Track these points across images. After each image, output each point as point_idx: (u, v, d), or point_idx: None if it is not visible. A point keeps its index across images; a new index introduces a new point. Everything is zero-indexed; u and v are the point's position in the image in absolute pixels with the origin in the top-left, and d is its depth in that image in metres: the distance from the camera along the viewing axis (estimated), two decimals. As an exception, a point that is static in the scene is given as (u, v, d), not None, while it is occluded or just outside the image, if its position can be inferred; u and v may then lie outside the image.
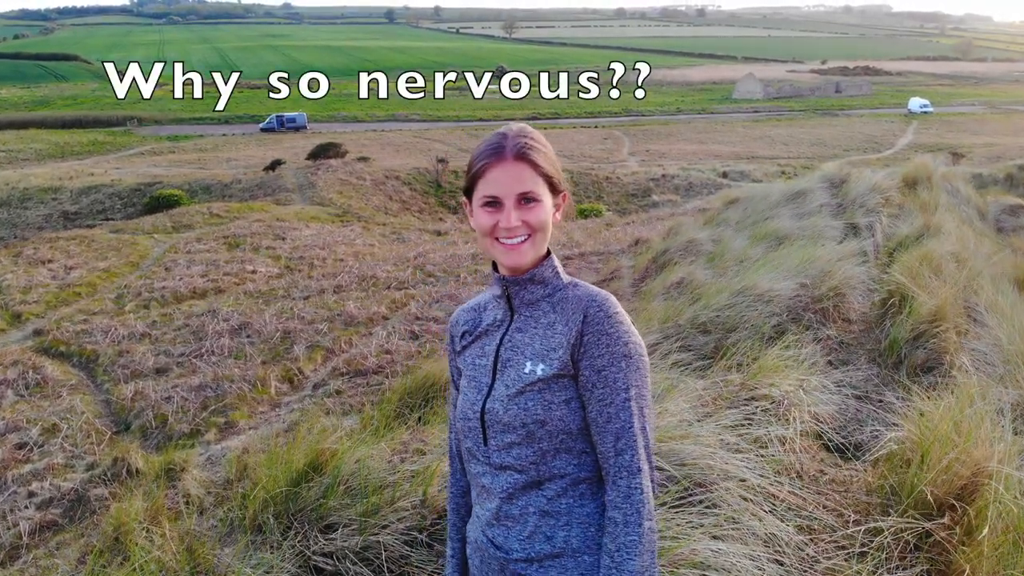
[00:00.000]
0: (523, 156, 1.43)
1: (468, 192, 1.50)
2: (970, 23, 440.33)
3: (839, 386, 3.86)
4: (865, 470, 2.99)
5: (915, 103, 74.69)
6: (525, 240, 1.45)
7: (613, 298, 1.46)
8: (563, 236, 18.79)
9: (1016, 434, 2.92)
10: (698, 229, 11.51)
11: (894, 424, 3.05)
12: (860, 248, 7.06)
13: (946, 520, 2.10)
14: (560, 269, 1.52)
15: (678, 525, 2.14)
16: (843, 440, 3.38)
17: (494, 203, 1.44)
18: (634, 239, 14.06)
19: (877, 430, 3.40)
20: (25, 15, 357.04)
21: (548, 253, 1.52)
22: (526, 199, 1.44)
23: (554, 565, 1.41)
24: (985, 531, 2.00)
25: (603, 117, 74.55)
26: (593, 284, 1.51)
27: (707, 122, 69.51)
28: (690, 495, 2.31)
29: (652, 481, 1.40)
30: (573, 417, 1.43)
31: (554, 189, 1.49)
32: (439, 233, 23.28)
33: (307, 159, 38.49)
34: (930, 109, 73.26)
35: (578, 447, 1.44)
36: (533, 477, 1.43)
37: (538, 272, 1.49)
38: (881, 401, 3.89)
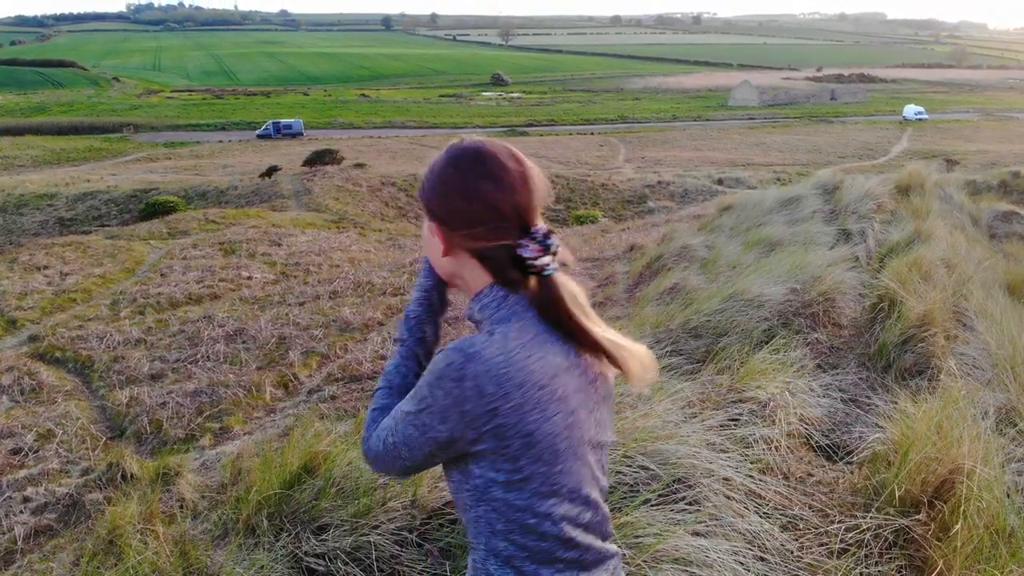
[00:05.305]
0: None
1: None
2: (965, 30, 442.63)
3: (827, 389, 3.91)
4: (851, 471, 3.02)
5: (910, 110, 75.12)
6: None
7: (446, 354, 1.27)
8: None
9: (1002, 435, 2.97)
10: (692, 235, 11.55)
11: (879, 426, 3.09)
12: (852, 253, 7.11)
13: (921, 516, 2.14)
14: (476, 314, 1.34)
15: (660, 522, 2.18)
16: (831, 442, 3.42)
17: None
18: (629, 245, 14.07)
19: (864, 432, 3.45)
20: (22, 21, 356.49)
21: (479, 293, 1.34)
22: None
23: None
24: (958, 527, 2.04)
25: (599, 124, 74.81)
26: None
27: (703, 129, 69.74)
28: (672, 492, 2.35)
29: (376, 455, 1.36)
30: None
31: (431, 215, 1.34)
32: (435, 239, 23.27)
33: (303, 165, 38.48)
34: (925, 116, 73.67)
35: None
36: None
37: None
38: (869, 404, 3.93)
